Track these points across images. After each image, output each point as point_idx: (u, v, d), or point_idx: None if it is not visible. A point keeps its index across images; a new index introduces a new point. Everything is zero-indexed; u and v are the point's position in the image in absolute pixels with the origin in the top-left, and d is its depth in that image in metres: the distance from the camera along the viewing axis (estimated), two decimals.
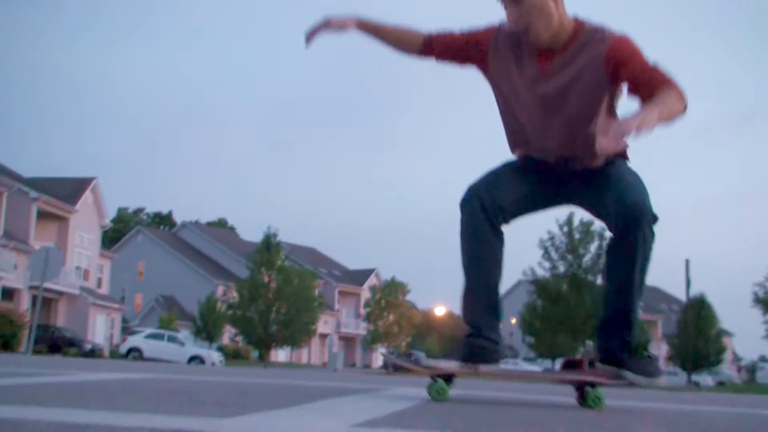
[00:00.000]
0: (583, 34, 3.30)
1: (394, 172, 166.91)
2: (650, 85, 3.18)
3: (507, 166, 3.69)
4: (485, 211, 3.49)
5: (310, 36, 3.52)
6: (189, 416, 2.23)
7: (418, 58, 3.56)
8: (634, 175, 3.50)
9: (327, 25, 3.50)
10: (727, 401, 7.06)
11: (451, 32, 3.52)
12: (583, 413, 3.19)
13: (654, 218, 3.34)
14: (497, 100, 3.61)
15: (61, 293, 44.72)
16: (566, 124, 3.42)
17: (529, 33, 3.30)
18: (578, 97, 3.34)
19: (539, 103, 3.40)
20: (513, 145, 3.69)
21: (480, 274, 3.57)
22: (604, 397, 3.49)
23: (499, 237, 3.55)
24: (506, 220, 3.57)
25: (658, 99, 3.06)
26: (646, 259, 3.39)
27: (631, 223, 3.32)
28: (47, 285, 25.97)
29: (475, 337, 3.52)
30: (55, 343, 37.94)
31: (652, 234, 3.36)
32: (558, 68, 3.32)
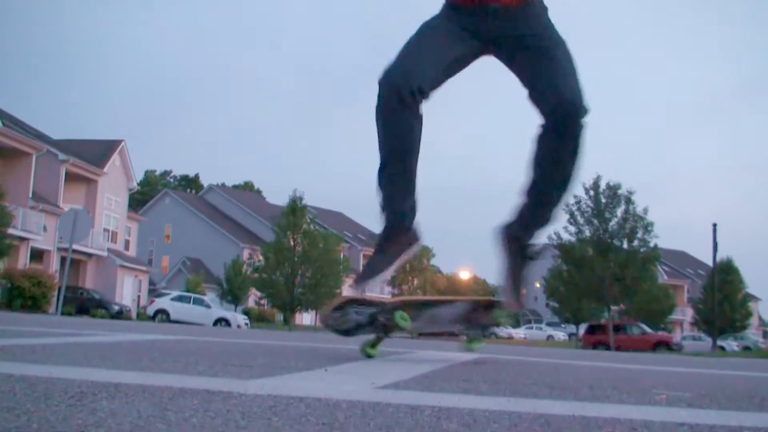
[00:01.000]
0: None
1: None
2: None
3: (428, 31, 3.48)
4: (403, 102, 3.30)
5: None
6: (216, 377, 2.26)
7: None
8: (568, 55, 3.45)
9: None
10: (752, 366, 7.04)
11: None
12: (604, 373, 3.20)
13: (586, 112, 3.32)
14: None
15: (89, 255, 45.23)
16: None
17: None
18: None
19: None
20: None
21: (401, 159, 3.48)
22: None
23: (419, 119, 3.41)
24: (428, 97, 3.42)
25: None
26: (577, 154, 3.39)
27: (567, 122, 3.31)
28: (76, 247, 26.25)
29: (399, 224, 3.53)
30: (83, 305, 38.48)
31: (583, 128, 3.34)
32: None
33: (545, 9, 3.51)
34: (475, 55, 3.56)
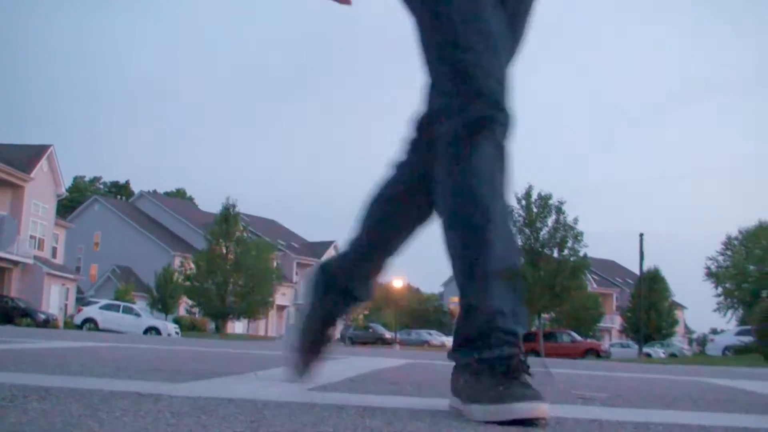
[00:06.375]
0: None
1: (355, 141, 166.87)
2: None
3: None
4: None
5: None
6: (147, 381, 2.30)
7: None
8: None
9: None
10: (672, 371, 7.27)
11: None
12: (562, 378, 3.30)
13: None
14: None
15: (15, 263, 44.16)
16: None
17: None
18: None
19: None
20: None
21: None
22: None
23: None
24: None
25: None
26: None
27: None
28: (1, 254, 25.65)
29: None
30: (7, 313, 37.55)
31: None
32: None
33: None
34: None
